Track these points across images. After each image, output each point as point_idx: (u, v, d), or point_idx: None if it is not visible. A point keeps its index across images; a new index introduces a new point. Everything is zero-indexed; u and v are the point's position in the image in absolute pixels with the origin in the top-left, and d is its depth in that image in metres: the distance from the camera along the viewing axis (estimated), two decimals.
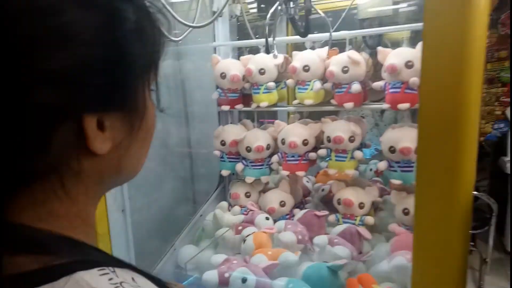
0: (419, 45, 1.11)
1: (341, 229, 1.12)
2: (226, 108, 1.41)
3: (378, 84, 1.20)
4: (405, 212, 1.17)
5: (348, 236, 1.10)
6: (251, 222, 1.22)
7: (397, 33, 1.41)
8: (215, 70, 1.38)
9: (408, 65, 1.10)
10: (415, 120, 1.63)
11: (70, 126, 0.29)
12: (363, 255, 1.04)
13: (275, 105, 1.38)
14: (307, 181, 1.60)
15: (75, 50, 0.28)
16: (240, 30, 1.64)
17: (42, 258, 0.27)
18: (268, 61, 1.31)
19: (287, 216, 1.33)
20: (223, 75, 1.36)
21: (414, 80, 1.09)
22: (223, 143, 1.40)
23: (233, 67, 1.35)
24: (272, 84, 1.32)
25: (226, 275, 0.87)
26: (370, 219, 1.22)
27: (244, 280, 0.85)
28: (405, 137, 1.15)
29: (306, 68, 1.25)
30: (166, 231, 1.26)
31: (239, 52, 1.51)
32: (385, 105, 1.18)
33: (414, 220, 0.59)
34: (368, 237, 1.11)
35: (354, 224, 1.20)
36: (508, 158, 1.28)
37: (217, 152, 1.43)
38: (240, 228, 1.16)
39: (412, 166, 1.17)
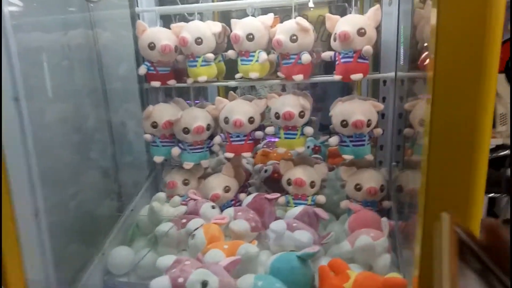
0: (371, 12, 1.05)
1: (297, 212, 1.03)
2: (156, 84, 1.22)
3: (327, 54, 1.12)
4: (357, 187, 1.13)
5: (306, 218, 1.02)
6: (195, 213, 1.07)
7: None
8: (141, 40, 1.17)
9: (361, 32, 1.03)
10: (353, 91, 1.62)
11: None
12: (323, 237, 0.97)
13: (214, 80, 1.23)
14: (247, 163, 1.48)
15: None
16: None
17: None
18: (205, 29, 1.15)
19: (232, 202, 1.21)
20: (151, 46, 1.16)
21: (368, 48, 1.03)
22: (154, 125, 1.21)
23: (164, 36, 1.16)
24: (211, 55, 1.16)
25: (180, 280, 0.71)
26: (321, 198, 1.16)
27: (204, 284, 0.70)
28: (357, 110, 1.09)
29: (250, 37, 1.12)
30: (90, 233, 1.04)
31: (164, 21, 1.31)
32: (336, 77, 1.10)
33: (422, 198, 0.51)
34: (325, 217, 1.04)
35: (306, 204, 1.13)
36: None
37: (147, 136, 1.24)
38: (184, 221, 1.00)
39: (364, 140, 1.13)
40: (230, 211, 1.06)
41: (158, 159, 1.24)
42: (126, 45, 1.31)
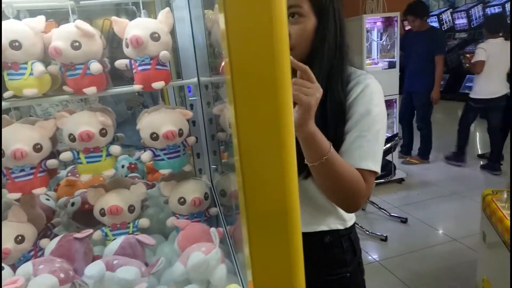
0: (162, 15, 0.98)
1: (117, 245, 0.88)
2: None
3: (122, 62, 1.00)
4: (181, 201, 1.06)
5: (129, 250, 0.88)
6: None
7: None
8: None
9: (154, 37, 0.96)
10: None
11: None
12: (152, 266, 0.86)
13: None
14: (47, 199, 1.22)
15: None
16: None
17: None
18: None
19: (31, 254, 0.95)
20: None
21: (165, 53, 0.96)
22: None
23: None
24: None
25: None
26: (145, 221, 1.04)
27: None
28: (166, 120, 1.02)
29: (15, 45, 0.89)
30: None
31: None
32: (136, 86, 1.00)
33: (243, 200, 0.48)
34: (150, 243, 0.93)
35: (127, 233, 0.99)
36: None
37: None
38: None
39: (179, 151, 1.06)
40: (27, 267, 0.81)
41: None
42: None
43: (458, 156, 4.46)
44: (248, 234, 0.52)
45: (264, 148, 0.49)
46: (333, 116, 0.92)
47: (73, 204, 1.17)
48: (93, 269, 0.78)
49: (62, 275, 0.80)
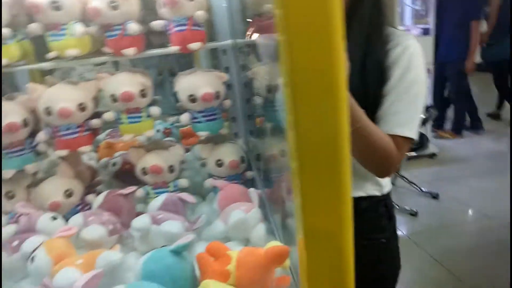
0: None
1: (160, 202, 0.92)
2: None
3: (158, 23, 1.00)
4: (219, 163, 1.08)
5: (171, 207, 0.91)
6: (30, 230, 0.84)
7: None
8: None
9: None
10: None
11: None
12: (193, 223, 0.88)
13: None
14: (89, 159, 1.27)
15: None
16: None
17: None
18: None
19: (79, 208, 1.00)
20: None
21: (200, 13, 0.96)
22: None
23: None
24: (6, 31, 0.91)
25: None
26: (184, 181, 1.07)
27: None
28: (202, 83, 1.02)
29: (56, 5, 0.91)
30: None
31: None
32: (173, 48, 1.00)
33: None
34: (192, 200, 0.96)
35: (168, 192, 1.02)
36: None
37: None
38: (15, 243, 0.78)
39: (216, 114, 1.07)
40: (78, 218, 0.86)
41: None
42: None
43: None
44: (301, 192, 0.52)
45: (320, 106, 0.48)
46: (373, 77, 0.90)
47: (114, 164, 1.22)
48: (140, 222, 0.81)
49: (110, 227, 0.85)
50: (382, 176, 0.99)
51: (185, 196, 0.95)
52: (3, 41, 0.90)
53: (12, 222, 0.91)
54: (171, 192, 1.02)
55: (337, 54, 0.44)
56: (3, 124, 0.90)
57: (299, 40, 0.41)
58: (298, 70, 0.42)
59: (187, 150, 1.40)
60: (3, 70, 0.93)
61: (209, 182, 1.06)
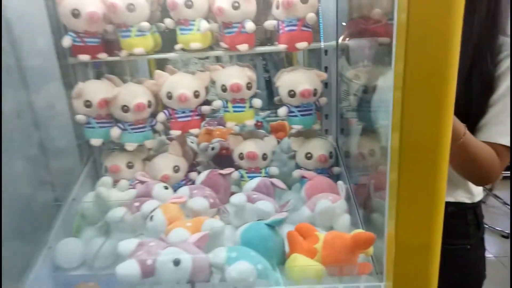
0: None
1: (255, 184, 1.02)
2: (85, 58, 1.09)
3: (271, 23, 1.10)
4: (308, 156, 1.15)
5: (264, 189, 1.01)
6: (146, 195, 1.00)
7: None
8: (62, 7, 1.03)
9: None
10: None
11: None
12: (283, 206, 0.97)
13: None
14: (191, 142, 1.43)
15: None
16: None
17: None
18: None
19: (183, 182, 1.15)
20: (76, 13, 1.03)
21: (312, 15, 1.03)
22: (88, 104, 1.09)
23: (88, 1, 1.04)
24: (147, 24, 1.07)
25: (149, 262, 0.66)
26: (274, 169, 1.16)
27: (177, 263, 0.66)
28: (302, 79, 1.10)
29: (189, 4, 1.05)
30: (30, 228, 0.92)
31: None
32: (281, 46, 1.09)
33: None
34: (283, 186, 1.05)
35: (260, 176, 1.12)
36: None
37: (80, 117, 1.11)
38: (137, 204, 0.93)
39: (311, 110, 1.14)
40: (185, 190, 1.00)
41: (95, 141, 1.13)
42: (37, 13, 1.13)
43: None
44: (397, 189, 0.56)
45: (427, 106, 0.50)
46: (478, 87, 0.89)
47: (213, 148, 1.35)
48: (238, 198, 0.92)
49: (211, 200, 0.97)
50: (482, 184, 0.99)
51: (276, 181, 1.04)
52: (143, 33, 1.07)
53: (131, 187, 1.08)
54: (263, 177, 1.12)
55: (451, 63, 0.48)
56: (134, 103, 1.07)
57: (416, 47, 0.45)
58: (411, 74, 0.47)
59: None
60: (139, 58, 1.10)
61: (297, 173, 1.13)
